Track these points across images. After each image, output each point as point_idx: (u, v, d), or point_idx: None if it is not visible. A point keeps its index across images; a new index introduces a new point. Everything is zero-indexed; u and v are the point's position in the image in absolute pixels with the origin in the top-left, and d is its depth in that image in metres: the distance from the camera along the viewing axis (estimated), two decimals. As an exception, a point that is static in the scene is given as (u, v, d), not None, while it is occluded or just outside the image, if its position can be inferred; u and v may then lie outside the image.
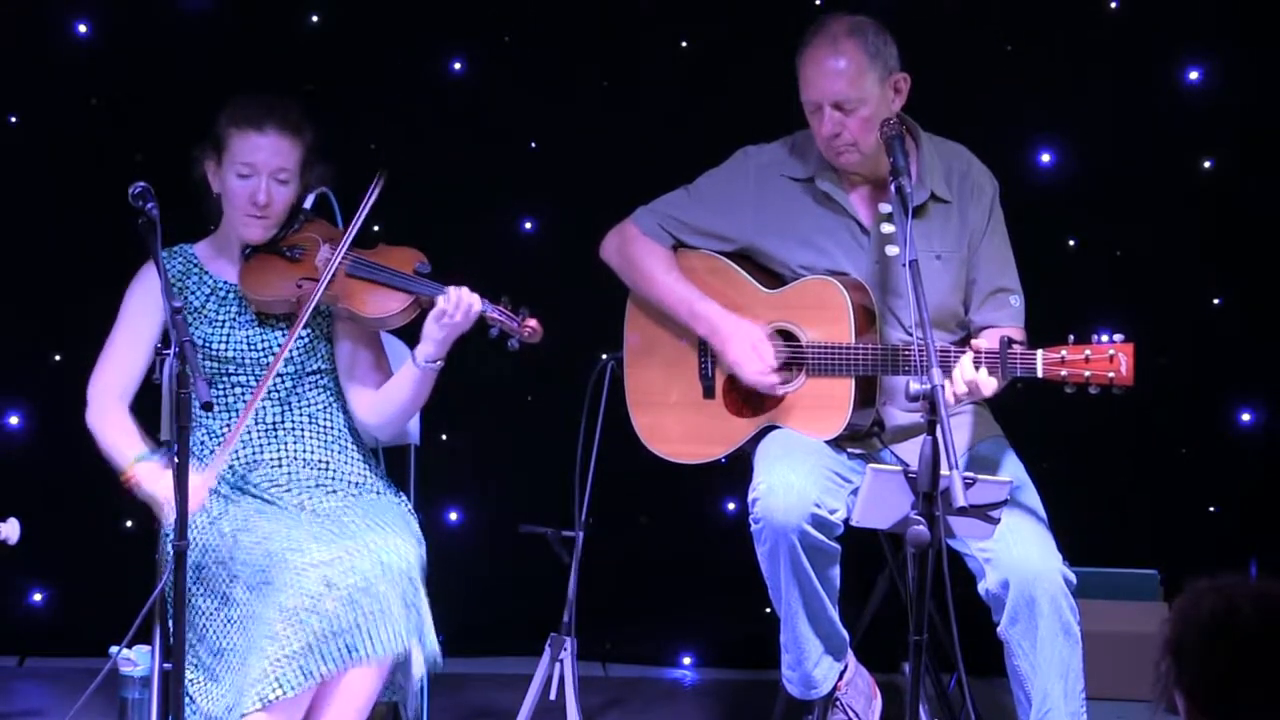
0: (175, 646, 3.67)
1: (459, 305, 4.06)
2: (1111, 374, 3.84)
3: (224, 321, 4.22)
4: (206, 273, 4.27)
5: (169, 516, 3.96)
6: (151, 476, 4.04)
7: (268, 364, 4.18)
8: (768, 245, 4.28)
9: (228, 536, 4.00)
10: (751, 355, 4.18)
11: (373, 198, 4.14)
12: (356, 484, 4.21)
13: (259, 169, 4.15)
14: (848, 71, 4.09)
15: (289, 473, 4.17)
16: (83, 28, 5.27)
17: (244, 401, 4.17)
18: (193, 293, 4.25)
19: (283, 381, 4.20)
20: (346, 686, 3.91)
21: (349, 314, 4.17)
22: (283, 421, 4.20)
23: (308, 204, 4.26)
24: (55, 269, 5.24)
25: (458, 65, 5.37)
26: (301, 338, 4.20)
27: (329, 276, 4.12)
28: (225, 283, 4.25)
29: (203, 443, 4.18)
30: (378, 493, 4.22)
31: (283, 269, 4.20)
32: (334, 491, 4.17)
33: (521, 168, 5.38)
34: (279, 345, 4.18)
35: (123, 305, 4.24)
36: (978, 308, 4.23)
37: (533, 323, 4.11)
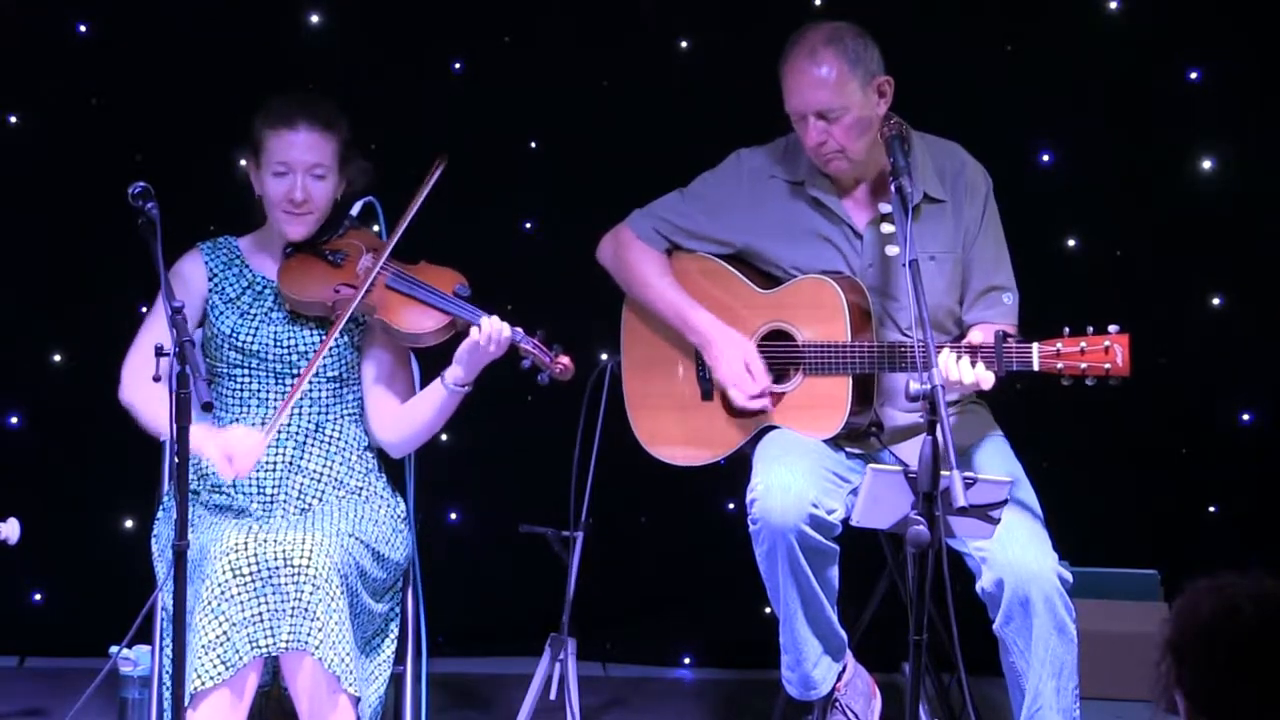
0: (175, 646, 3.68)
1: (492, 336, 4.07)
2: (1108, 365, 3.84)
3: (255, 315, 4.23)
4: (247, 266, 4.29)
5: (226, 473, 4.01)
6: (200, 437, 3.98)
7: (291, 361, 4.19)
8: (762, 247, 4.28)
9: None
10: (742, 378, 4.18)
11: (406, 221, 4.16)
12: (353, 490, 4.22)
13: (294, 166, 4.16)
14: (829, 80, 4.09)
15: (278, 479, 4.18)
16: (83, 28, 5.28)
17: (264, 391, 4.19)
18: (231, 284, 4.26)
19: (320, 391, 4.20)
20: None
21: (383, 326, 4.18)
22: (289, 425, 4.20)
23: (354, 211, 4.27)
24: (55, 269, 5.24)
25: (458, 65, 5.37)
26: (335, 343, 4.20)
27: (370, 284, 4.12)
28: (263, 277, 4.27)
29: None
30: (366, 499, 4.22)
31: (322, 272, 4.20)
32: (319, 497, 4.18)
33: (521, 168, 5.38)
34: (305, 345, 4.19)
35: (156, 300, 4.23)
36: (970, 306, 4.23)
37: (565, 360, 4.11)
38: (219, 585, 3.86)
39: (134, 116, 5.21)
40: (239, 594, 3.87)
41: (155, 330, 4.16)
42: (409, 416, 4.24)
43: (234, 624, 3.86)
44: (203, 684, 3.83)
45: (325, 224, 4.25)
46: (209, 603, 3.86)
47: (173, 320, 3.63)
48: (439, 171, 4.20)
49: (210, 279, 4.26)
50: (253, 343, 4.20)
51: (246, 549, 3.88)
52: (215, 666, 3.84)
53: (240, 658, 3.86)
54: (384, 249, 4.19)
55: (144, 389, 4.10)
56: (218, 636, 3.85)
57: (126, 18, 5.23)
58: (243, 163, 4.27)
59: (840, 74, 4.09)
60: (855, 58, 4.10)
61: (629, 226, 4.39)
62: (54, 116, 5.26)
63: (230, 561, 3.87)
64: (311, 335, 4.21)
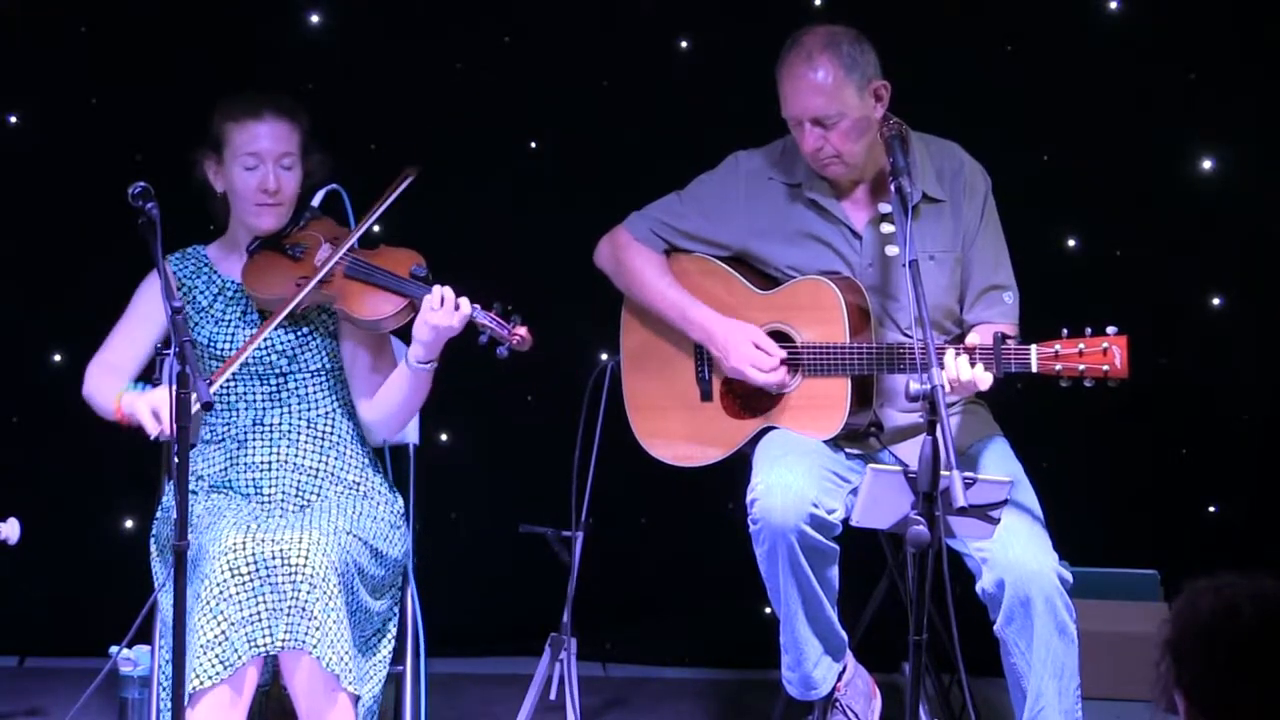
0: (175, 646, 3.68)
1: (444, 306, 4.07)
2: (1106, 366, 3.84)
3: (229, 320, 4.23)
4: (216, 273, 4.29)
5: (153, 429, 3.96)
6: (134, 400, 4.00)
7: (271, 361, 4.20)
8: (759, 249, 4.28)
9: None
10: (756, 355, 4.18)
11: (389, 201, 4.17)
12: (350, 485, 4.22)
13: (264, 157, 4.17)
14: (825, 86, 4.08)
15: (274, 477, 4.18)
16: (84, 28, 5.27)
17: (250, 394, 4.20)
18: (201, 292, 4.27)
19: (285, 381, 4.20)
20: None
21: (344, 315, 4.19)
22: (280, 424, 4.20)
23: (316, 201, 4.27)
24: (55, 269, 5.24)
25: (458, 65, 5.37)
26: (302, 334, 4.21)
27: (319, 279, 4.13)
28: (233, 282, 4.27)
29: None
30: (365, 495, 4.22)
31: (284, 267, 4.21)
32: (316, 492, 4.18)
33: (521, 168, 5.38)
34: (282, 343, 4.20)
35: (131, 302, 4.26)
36: (971, 306, 4.23)
37: (522, 331, 4.09)
38: (217, 585, 3.86)
39: (134, 116, 5.21)
40: (237, 593, 3.86)
41: (119, 338, 4.20)
42: (385, 399, 4.24)
43: (232, 623, 3.86)
44: (201, 684, 3.83)
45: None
46: (207, 602, 3.86)
47: (172, 320, 3.64)
48: (406, 183, 4.20)
49: (180, 289, 4.26)
50: (230, 348, 4.20)
51: (244, 548, 3.88)
52: (214, 666, 3.84)
53: (239, 657, 3.86)
54: (343, 241, 4.18)
55: (100, 379, 4.14)
56: (216, 636, 3.85)
57: (126, 18, 5.23)
58: (201, 162, 4.26)
59: (836, 80, 4.08)
60: (851, 63, 4.10)
61: (626, 229, 4.39)
62: (54, 116, 5.26)
63: (229, 561, 3.87)
64: (287, 333, 4.22)
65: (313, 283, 4.12)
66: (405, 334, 4.32)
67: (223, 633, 3.85)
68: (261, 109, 4.19)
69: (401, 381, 4.18)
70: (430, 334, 4.09)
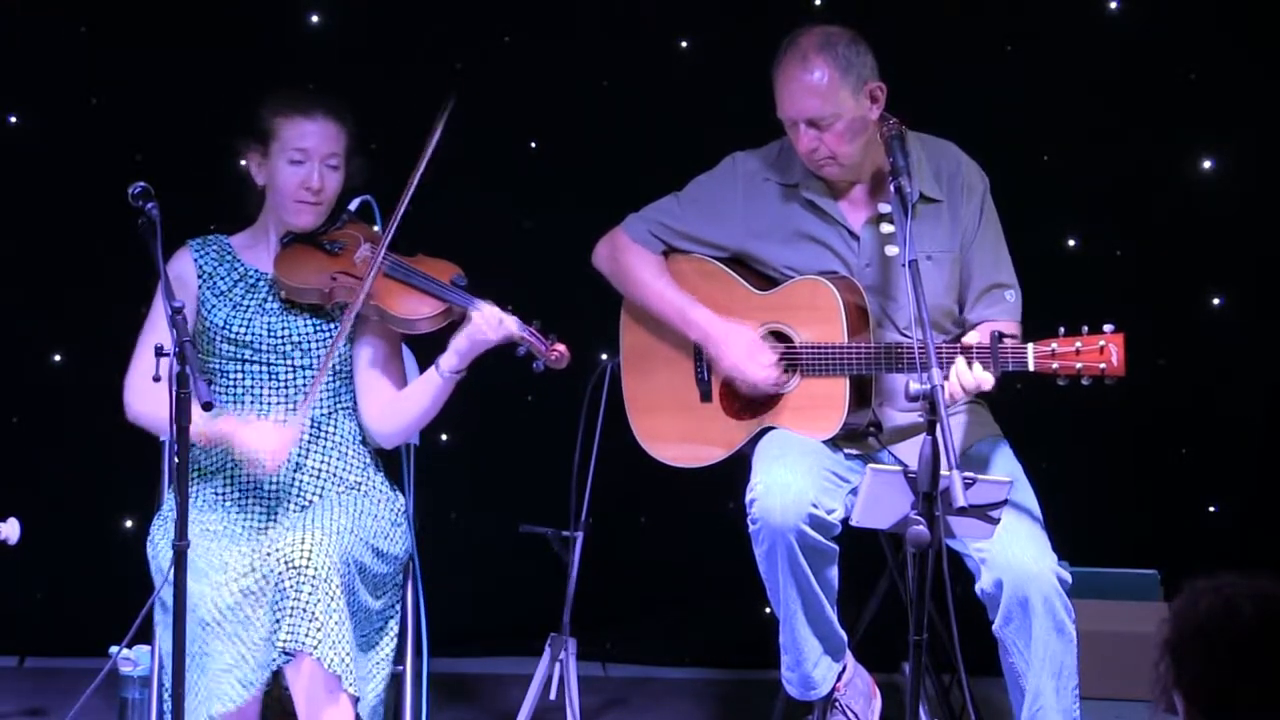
0: (175, 646, 3.68)
1: (490, 322, 4.09)
2: (1103, 365, 3.84)
3: (248, 306, 4.24)
4: (239, 260, 4.30)
5: (267, 466, 4.06)
6: (230, 430, 4.07)
7: (284, 352, 4.19)
8: (757, 250, 4.28)
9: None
10: (750, 359, 4.18)
11: (407, 198, 4.18)
12: (352, 486, 4.22)
13: (311, 154, 4.19)
14: (820, 87, 4.08)
15: (278, 478, 4.18)
16: (84, 28, 5.27)
17: (258, 387, 4.19)
18: (223, 278, 4.27)
19: (295, 376, 4.20)
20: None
21: (379, 312, 4.19)
22: (283, 419, 4.20)
23: (352, 206, 4.29)
24: (55, 269, 5.24)
25: (458, 65, 5.37)
26: (323, 331, 4.22)
27: (374, 273, 4.13)
28: (256, 270, 4.27)
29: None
30: (365, 494, 4.22)
31: (320, 260, 4.22)
32: (319, 494, 4.18)
33: (521, 168, 5.38)
34: (299, 335, 4.20)
35: (153, 305, 4.24)
36: (972, 305, 4.23)
37: (560, 348, 4.13)
38: (230, 609, 3.87)
39: (134, 116, 5.21)
40: (252, 615, 3.88)
41: (153, 342, 4.18)
42: (403, 406, 4.24)
43: (251, 646, 3.86)
44: (224, 708, 3.84)
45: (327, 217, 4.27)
46: (221, 626, 3.87)
47: (173, 320, 3.64)
48: (448, 110, 4.20)
49: (199, 275, 4.26)
50: (246, 334, 4.20)
51: (254, 571, 3.90)
52: (235, 688, 3.85)
53: (260, 675, 3.86)
54: (385, 234, 4.20)
55: (150, 398, 4.12)
56: (235, 659, 3.86)
57: (126, 18, 5.23)
58: (243, 161, 4.27)
59: (831, 81, 4.08)
60: (847, 64, 4.09)
61: (624, 230, 4.40)
62: (54, 116, 5.26)
63: (240, 586, 3.89)
64: (305, 325, 4.22)
65: (369, 278, 4.12)
66: (419, 344, 4.32)
67: (242, 656, 3.86)
68: (313, 107, 4.22)
69: (426, 389, 4.19)
70: (468, 344, 4.11)
